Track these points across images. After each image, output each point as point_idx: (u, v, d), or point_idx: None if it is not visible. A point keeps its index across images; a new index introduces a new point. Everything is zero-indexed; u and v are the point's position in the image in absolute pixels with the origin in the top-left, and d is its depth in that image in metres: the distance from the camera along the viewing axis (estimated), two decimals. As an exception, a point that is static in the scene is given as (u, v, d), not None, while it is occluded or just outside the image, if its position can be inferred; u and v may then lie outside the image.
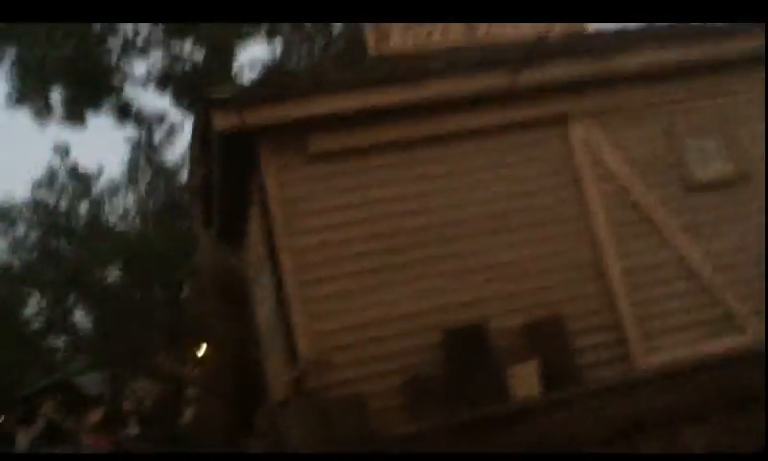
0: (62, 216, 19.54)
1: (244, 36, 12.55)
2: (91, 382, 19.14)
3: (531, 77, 6.67)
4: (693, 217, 6.96)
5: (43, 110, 13.73)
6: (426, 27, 7.87)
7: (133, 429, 16.86)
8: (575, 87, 6.87)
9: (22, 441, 15.54)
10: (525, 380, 6.14)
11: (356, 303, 6.11)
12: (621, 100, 7.06)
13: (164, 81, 13.66)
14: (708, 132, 7.20)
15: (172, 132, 18.52)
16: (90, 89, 13.33)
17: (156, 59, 13.60)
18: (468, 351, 6.14)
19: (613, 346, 6.55)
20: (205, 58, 12.93)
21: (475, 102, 6.70)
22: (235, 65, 13.30)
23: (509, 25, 8.17)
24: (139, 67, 13.80)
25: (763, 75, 7.10)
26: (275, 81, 6.17)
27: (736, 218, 7.03)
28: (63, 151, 19.81)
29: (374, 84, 6.29)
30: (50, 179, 19.81)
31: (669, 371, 6.03)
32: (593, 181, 6.87)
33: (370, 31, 7.97)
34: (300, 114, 6.12)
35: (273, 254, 6.17)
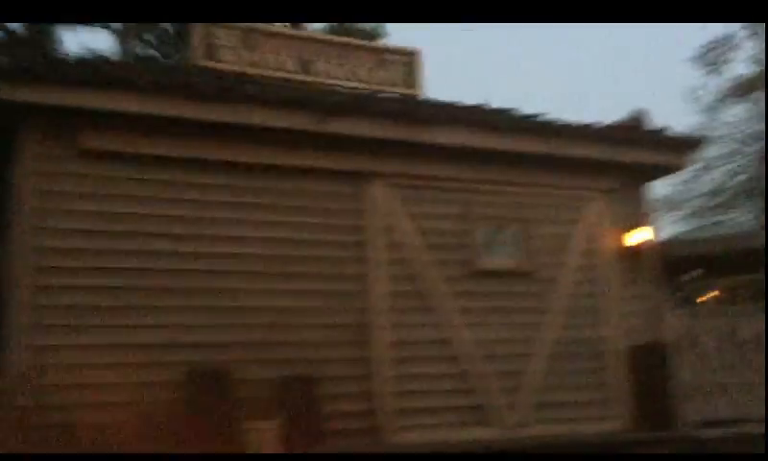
0: None
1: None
2: None
3: (337, 127, 6.51)
4: (471, 302, 7.04)
5: None
6: (265, 48, 7.64)
7: None
8: (379, 149, 6.81)
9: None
10: (263, 437, 5.81)
11: (90, 321, 5.56)
12: (424, 172, 7.07)
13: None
14: (501, 222, 7.35)
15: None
16: None
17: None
18: (209, 395, 5.74)
19: (366, 416, 6.40)
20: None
21: (277, 139, 6.46)
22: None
23: (347, 70, 8.16)
24: None
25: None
26: (46, 62, 5.55)
27: (511, 311, 7.19)
28: None
29: (160, 91, 5.87)
30: None
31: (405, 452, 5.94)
32: (380, 247, 6.79)
33: (196, 40, 7.58)
34: (70, 103, 5.57)
35: (8, 247, 5.51)
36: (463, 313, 6.98)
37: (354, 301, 6.62)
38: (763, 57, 17.88)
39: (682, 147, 7.99)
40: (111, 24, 12.03)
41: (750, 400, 7.99)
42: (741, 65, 19.92)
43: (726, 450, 6.96)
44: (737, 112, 20.08)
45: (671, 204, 20.34)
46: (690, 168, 19.98)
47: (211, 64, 7.46)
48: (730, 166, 19.97)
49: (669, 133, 7.97)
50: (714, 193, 20.13)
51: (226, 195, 6.37)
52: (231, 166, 6.41)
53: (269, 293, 6.25)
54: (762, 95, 17.90)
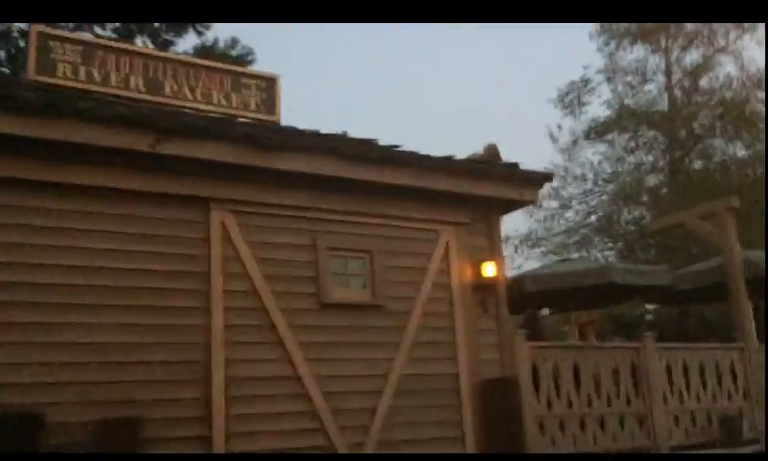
0: None
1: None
2: None
3: (174, 149, 6.15)
4: (320, 337, 6.82)
5: None
6: (109, 65, 7.19)
7: None
8: (223, 174, 6.51)
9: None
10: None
11: None
12: (272, 200, 6.82)
13: None
14: (352, 254, 7.21)
15: None
16: None
17: None
18: (18, 441, 5.15)
19: (200, 461, 5.97)
20: None
21: (110, 160, 6.02)
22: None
23: (198, 93, 7.84)
24: None
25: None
26: None
27: (362, 345, 7.02)
28: None
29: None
30: None
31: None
32: (223, 277, 6.44)
33: (32, 53, 7.03)
34: None
35: None
36: (311, 348, 6.73)
37: (193, 335, 6.22)
38: (615, 102, 19.13)
39: (532, 182, 8.19)
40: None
41: (601, 433, 8.23)
42: (598, 108, 21.17)
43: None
44: (591, 155, 21.27)
45: (533, 241, 21.20)
46: (550, 207, 21.44)
47: (46, 79, 6.93)
48: (583, 206, 21.08)
49: (520, 168, 8.14)
50: (571, 231, 21.13)
51: (52, 220, 5.83)
52: (60, 188, 5.90)
53: (96, 327, 5.75)
54: (616, 136, 19.05)
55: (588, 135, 20.49)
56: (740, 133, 18.88)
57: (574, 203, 20.73)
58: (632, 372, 8.78)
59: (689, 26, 18.11)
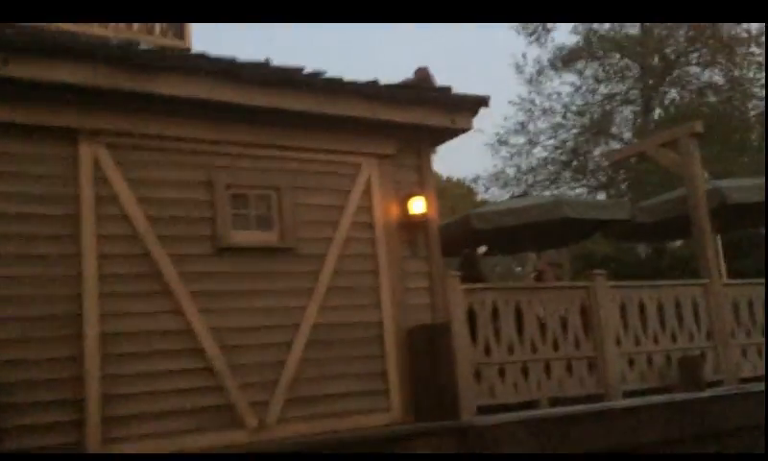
0: None
1: None
2: None
3: (26, 72, 5.36)
4: (217, 285, 6.16)
5: None
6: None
7: None
8: (94, 101, 5.73)
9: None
10: None
11: None
12: (156, 131, 6.06)
13: None
14: (256, 191, 6.49)
15: None
16: None
17: None
18: None
19: (73, 429, 5.34)
20: None
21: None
22: None
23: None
24: None
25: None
26: None
27: (267, 293, 6.37)
28: None
29: None
30: None
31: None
32: (96, 220, 5.72)
33: None
34: None
35: None
36: (207, 297, 6.07)
37: (62, 287, 5.52)
38: (583, 27, 18.15)
39: (464, 107, 7.45)
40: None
41: (546, 380, 7.69)
42: (565, 36, 20.16)
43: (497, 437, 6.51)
44: (559, 86, 20.36)
45: (503, 180, 20.49)
46: (517, 143, 20.61)
47: None
48: (553, 141, 20.30)
49: (452, 92, 7.39)
50: (539, 168, 20.41)
51: None
52: None
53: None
54: (585, 65, 18.17)
55: (554, 65, 19.57)
56: (716, 57, 18.07)
57: (543, 138, 19.98)
58: (582, 313, 8.22)
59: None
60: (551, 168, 19.88)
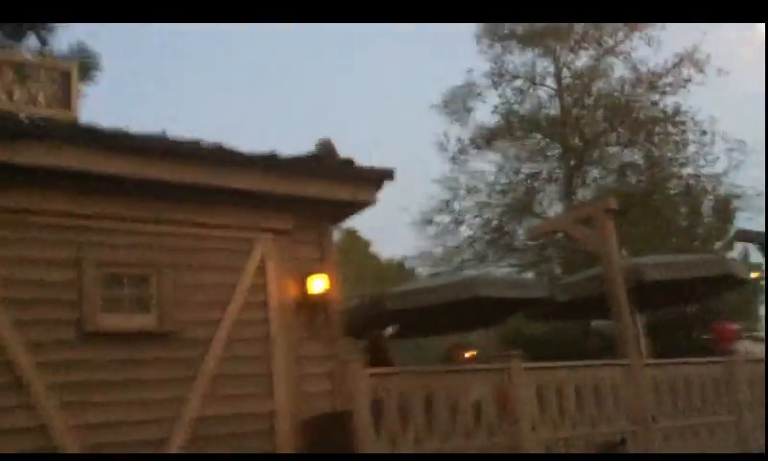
0: None
1: None
2: None
3: None
4: (81, 375, 5.52)
5: None
6: None
7: None
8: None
9: None
10: None
11: None
12: (18, 204, 5.50)
13: None
14: (133, 269, 5.95)
15: None
16: None
17: None
18: None
19: None
20: None
21: None
22: None
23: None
24: None
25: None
26: None
27: (143, 384, 5.75)
28: None
29: None
30: None
31: None
32: (-61, 304, 5.07)
33: None
34: None
35: None
36: (70, 391, 5.42)
37: None
38: (503, 108, 18.38)
39: (368, 180, 7.11)
40: None
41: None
42: (486, 115, 20.33)
43: None
44: (484, 164, 20.49)
45: (431, 259, 20.27)
46: (442, 221, 20.45)
47: None
48: (478, 220, 20.28)
49: (356, 165, 7.06)
50: (464, 247, 20.29)
51: None
52: None
53: None
54: (505, 145, 18.31)
55: (475, 143, 19.71)
56: (636, 137, 18.48)
57: (468, 216, 19.94)
58: (498, 397, 7.79)
59: (577, 27, 17.68)
60: (477, 247, 19.79)
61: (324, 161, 6.98)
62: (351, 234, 29.42)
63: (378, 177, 7.17)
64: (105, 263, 5.80)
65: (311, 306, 6.77)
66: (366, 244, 29.49)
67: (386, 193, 7.13)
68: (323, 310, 6.85)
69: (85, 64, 15.49)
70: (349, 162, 7.07)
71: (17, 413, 5.20)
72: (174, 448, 5.72)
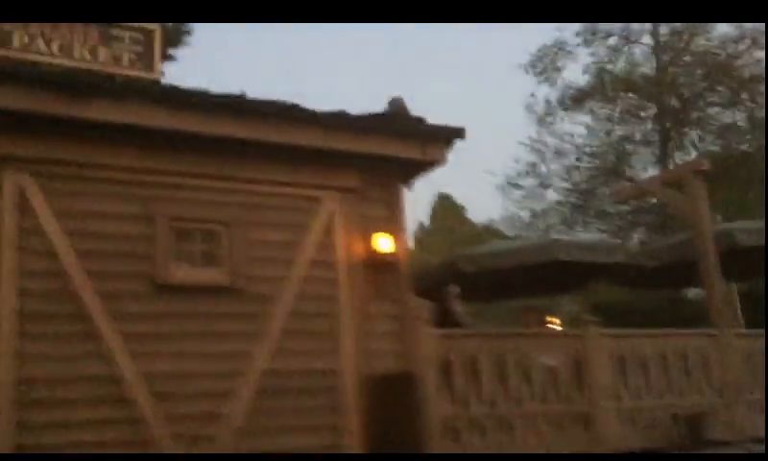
0: None
1: None
2: None
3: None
4: (153, 327, 5.70)
5: None
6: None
7: None
8: (21, 127, 5.40)
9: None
10: None
11: None
12: (85, 158, 5.68)
13: None
14: (202, 225, 6.06)
15: None
16: None
17: None
18: None
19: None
20: None
21: None
22: None
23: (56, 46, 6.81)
24: None
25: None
26: None
27: (211, 336, 5.88)
28: None
29: None
30: None
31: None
32: (18, 253, 5.33)
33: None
34: None
35: None
36: (141, 341, 5.60)
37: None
38: (593, 66, 17.61)
39: (437, 138, 6.97)
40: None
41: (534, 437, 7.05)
42: (575, 75, 19.53)
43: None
44: (573, 127, 19.77)
45: (517, 224, 19.88)
46: (529, 185, 19.90)
47: None
48: (566, 184, 19.63)
49: (426, 123, 6.94)
50: (552, 212, 19.73)
51: None
52: None
53: None
54: (596, 106, 17.60)
55: (563, 104, 18.99)
56: (738, 97, 17.37)
57: (556, 180, 19.34)
58: (577, 365, 7.59)
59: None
60: (564, 212, 19.20)
61: (393, 119, 6.89)
62: (446, 199, 29.30)
63: (448, 135, 7.02)
64: (175, 218, 5.93)
65: (378, 265, 6.73)
66: (460, 209, 29.29)
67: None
68: (390, 269, 6.80)
69: (176, 28, 15.91)
70: (419, 121, 6.94)
71: (89, 361, 5.41)
72: (241, 400, 5.84)
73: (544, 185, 19.21)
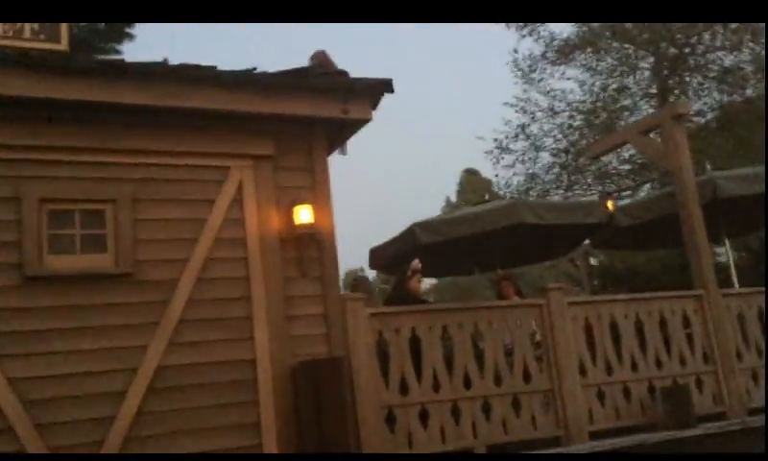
0: None
1: None
2: None
3: None
4: (25, 323, 5.06)
5: None
6: None
7: None
8: None
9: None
10: None
11: None
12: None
13: None
14: (83, 205, 5.40)
15: None
16: None
17: None
18: None
19: None
20: None
21: None
22: None
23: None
24: None
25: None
26: None
27: (98, 331, 5.24)
28: None
29: None
30: None
31: None
32: None
33: None
34: None
35: None
36: (8, 342, 4.97)
37: None
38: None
39: (362, 94, 6.25)
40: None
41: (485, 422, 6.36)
42: (559, 25, 18.39)
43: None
44: (563, 83, 18.74)
45: (512, 190, 19.00)
46: (519, 149, 18.89)
47: None
48: (559, 142, 18.66)
49: (347, 77, 6.21)
50: (544, 174, 18.80)
51: None
52: None
53: None
54: (588, 58, 16.62)
55: (548, 58, 17.94)
56: (740, 38, 16.20)
57: (548, 141, 18.35)
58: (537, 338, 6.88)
59: None
60: (560, 174, 18.24)
61: (306, 75, 6.16)
62: (473, 174, 28.49)
63: (373, 89, 6.28)
64: (48, 199, 5.28)
65: (301, 241, 6.05)
66: (487, 183, 28.55)
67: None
68: (314, 245, 6.11)
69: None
70: (338, 74, 6.21)
71: (-53, 367, 4.81)
72: (131, 401, 5.20)
73: (537, 147, 18.29)
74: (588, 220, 8.52)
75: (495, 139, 18.48)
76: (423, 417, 6.22)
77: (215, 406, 5.47)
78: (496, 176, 19.08)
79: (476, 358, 6.54)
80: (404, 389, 6.20)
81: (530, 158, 18.46)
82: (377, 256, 9.22)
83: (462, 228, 8.29)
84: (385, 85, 6.32)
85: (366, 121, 6.30)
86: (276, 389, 5.68)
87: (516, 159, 18.27)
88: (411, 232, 8.46)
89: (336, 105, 6.14)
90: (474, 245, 8.78)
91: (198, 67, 5.68)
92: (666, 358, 7.38)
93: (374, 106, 6.36)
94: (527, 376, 6.70)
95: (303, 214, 6.05)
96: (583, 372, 6.95)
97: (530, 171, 18.26)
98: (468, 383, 6.44)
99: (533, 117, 18.11)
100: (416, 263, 7.42)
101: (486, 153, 18.70)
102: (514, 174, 18.35)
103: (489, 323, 6.67)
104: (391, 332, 6.25)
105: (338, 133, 6.45)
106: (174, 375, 5.39)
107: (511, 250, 9.41)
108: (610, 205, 9.07)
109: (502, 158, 18.43)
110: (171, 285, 5.53)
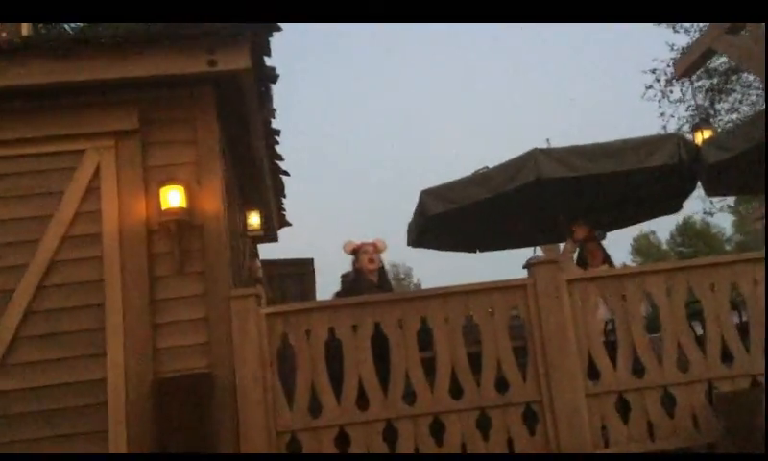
0: None
1: None
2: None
3: None
4: None
5: None
6: None
7: None
8: None
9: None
10: None
11: None
12: None
13: None
14: None
15: None
16: None
17: None
18: None
19: None
20: None
21: None
22: None
23: None
24: None
25: None
26: None
27: None
28: None
29: None
30: None
31: None
32: None
33: None
34: None
35: None
36: None
37: None
38: None
39: (234, 40, 5.00)
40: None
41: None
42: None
43: None
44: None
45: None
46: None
47: None
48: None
49: (212, 24, 5.00)
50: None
51: None
52: None
53: None
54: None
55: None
56: None
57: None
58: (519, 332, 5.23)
59: None
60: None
61: (162, 27, 5.05)
62: None
63: (249, 33, 5.00)
64: None
65: (174, 231, 5.00)
66: None
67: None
68: (192, 233, 5.03)
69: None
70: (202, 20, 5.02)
71: None
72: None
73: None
74: (651, 163, 6.35)
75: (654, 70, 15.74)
76: (342, 443, 4.90)
77: (50, 438, 4.64)
78: (662, 114, 16.23)
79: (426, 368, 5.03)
80: (316, 409, 4.93)
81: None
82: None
83: (472, 192, 6.60)
84: (267, 28, 5.02)
85: (242, 71, 5.04)
86: (129, 416, 4.72)
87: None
88: (420, 202, 6.97)
89: (202, 56, 4.97)
90: (493, 212, 7.04)
91: (28, 37, 4.87)
92: (741, 349, 5.22)
93: (263, 52, 5.09)
94: (503, 385, 5.06)
95: (172, 197, 4.99)
96: (593, 375, 5.12)
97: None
98: (409, 399, 4.98)
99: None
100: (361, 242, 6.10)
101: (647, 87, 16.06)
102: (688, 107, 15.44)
103: (444, 319, 5.12)
104: (299, 336, 5.00)
105: (211, 95, 5.23)
106: (2, 402, 4.64)
107: (545, 217, 7.42)
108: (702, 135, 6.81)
109: (670, 93, 15.68)
110: (4, 298, 4.78)
